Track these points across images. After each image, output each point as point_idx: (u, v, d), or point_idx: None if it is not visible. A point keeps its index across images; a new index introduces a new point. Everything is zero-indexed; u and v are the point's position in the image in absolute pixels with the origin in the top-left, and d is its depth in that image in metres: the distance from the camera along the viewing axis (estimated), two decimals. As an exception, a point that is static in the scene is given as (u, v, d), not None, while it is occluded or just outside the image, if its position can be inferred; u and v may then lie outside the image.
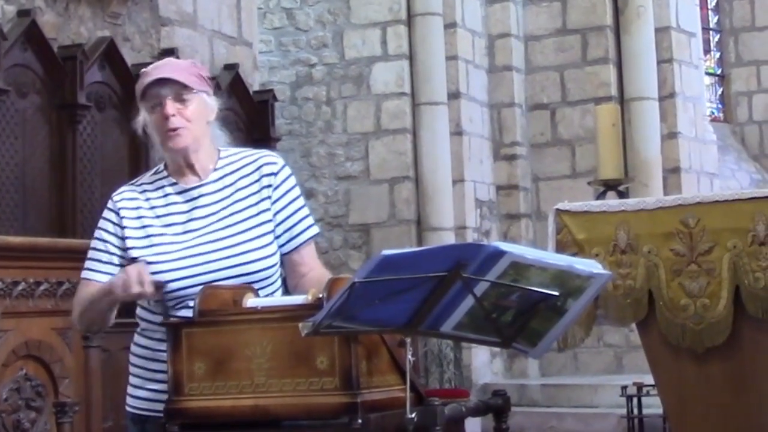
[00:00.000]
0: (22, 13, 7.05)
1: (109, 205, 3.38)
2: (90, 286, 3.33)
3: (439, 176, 10.15)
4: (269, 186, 3.36)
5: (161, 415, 3.12)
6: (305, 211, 3.42)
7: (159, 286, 3.17)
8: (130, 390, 3.38)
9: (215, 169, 3.38)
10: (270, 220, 3.34)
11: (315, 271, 3.37)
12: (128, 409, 3.39)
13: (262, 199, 3.35)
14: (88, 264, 3.37)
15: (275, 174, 3.37)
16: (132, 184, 3.44)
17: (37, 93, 7.06)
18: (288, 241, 3.37)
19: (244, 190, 3.35)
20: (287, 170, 3.40)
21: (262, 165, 3.38)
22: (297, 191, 3.41)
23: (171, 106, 3.27)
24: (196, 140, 3.32)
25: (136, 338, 3.39)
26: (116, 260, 3.33)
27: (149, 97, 3.30)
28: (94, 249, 3.37)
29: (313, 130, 10.50)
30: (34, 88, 7.04)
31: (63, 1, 7.53)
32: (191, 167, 3.35)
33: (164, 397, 3.14)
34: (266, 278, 3.30)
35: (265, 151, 3.48)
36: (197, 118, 3.31)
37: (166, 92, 3.28)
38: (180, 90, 3.29)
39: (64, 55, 7.19)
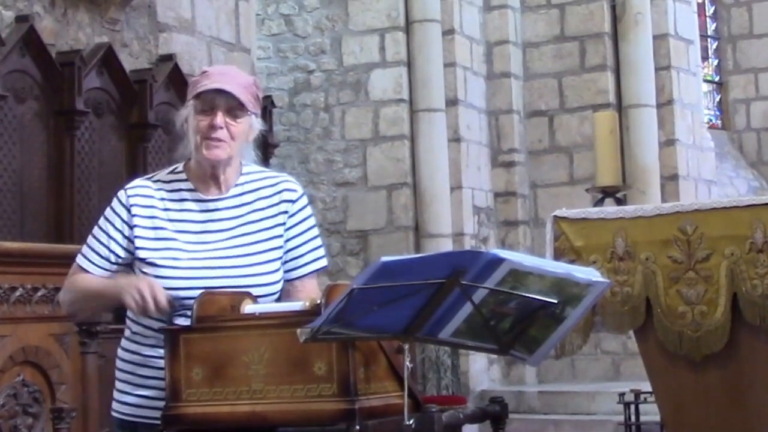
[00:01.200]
0: (21, 19, 7.04)
1: (121, 198, 3.34)
2: (84, 275, 3.30)
3: (437, 183, 10.16)
4: (285, 212, 3.36)
5: (151, 421, 3.12)
6: (317, 242, 3.42)
7: (171, 304, 3.15)
8: (116, 395, 3.36)
9: (236, 185, 3.37)
10: (280, 247, 3.34)
11: (312, 296, 3.33)
12: (115, 414, 3.36)
13: (277, 225, 3.35)
14: (85, 251, 3.34)
15: (293, 201, 3.38)
16: (147, 178, 3.41)
17: (35, 99, 7.05)
18: (293, 269, 3.38)
19: (261, 212, 3.35)
20: (305, 199, 3.42)
21: (283, 190, 3.38)
22: (312, 221, 3.42)
23: (221, 118, 3.25)
24: (230, 158, 3.31)
25: (125, 343, 3.36)
26: (113, 258, 3.31)
27: (203, 100, 3.27)
28: (97, 239, 3.33)
29: (311, 136, 10.51)
30: (32, 93, 7.03)
31: (61, 6, 7.53)
32: (216, 179, 3.34)
33: (154, 403, 3.13)
34: (268, 295, 3.30)
35: (285, 176, 3.48)
36: (240, 137, 3.31)
37: (220, 102, 3.26)
38: (235, 106, 3.27)
39: (62, 61, 7.19)
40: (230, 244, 3.29)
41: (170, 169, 3.43)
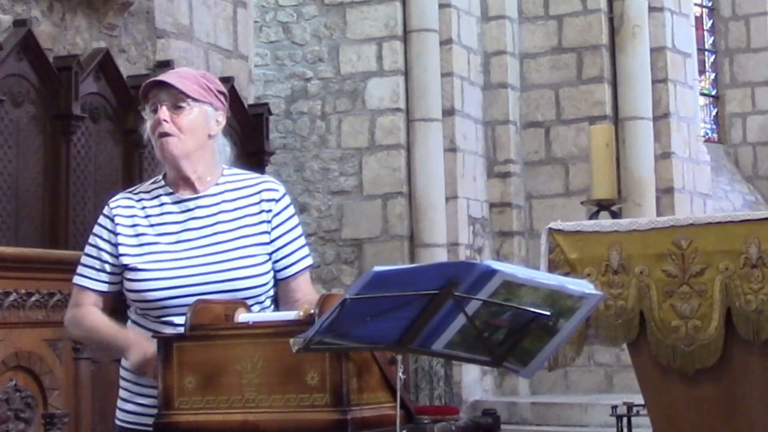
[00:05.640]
0: (18, 23, 7.05)
1: (105, 211, 3.38)
2: (92, 311, 3.33)
3: (432, 193, 10.16)
4: (269, 211, 3.36)
5: (149, 428, 3.11)
6: (303, 240, 3.43)
7: None
8: (119, 403, 3.39)
9: (216, 184, 3.37)
10: (266, 243, 3.34)
11: (309, 296, 3.34)
12: (117, 422, 3.39)
13: (261, 222, 3.35)
14: (81, 270, 3.37)
15: (276, 200, 3.38)
16: (129, 191, 3.44)
17: (31, 103, 7.05)
18: (285, 267, 3.37)
19: (244, 209, 3.35)
20: (288, 199, 3.41)
21: (263, 190, 3.38)
22: (296, 220, 3.42)
23: (164, 112, 3.26)
24: (186, 151, 3.29)
25: None
26: (108, 268, 3.33)
27: (149, 100, 3.30)
28: (88, 255, 3.36)
29: (308, 144, 10.51)
30: (29, 97, 7.04)
31: (59, 11, 7.54)
32: (186, 180, 3.34)
33: (152, 411, 3.13)
34: (255, 296, 3.30)
35: (267, 177, 3.50)
36: (192, 129, 3.28)
37: (163, 97, 3.27)
38: (178, 97, 3.27)
39: (60, 66, 7.19)
40: (212, 240, 3.30)
41: (151, 180, 3.46)
